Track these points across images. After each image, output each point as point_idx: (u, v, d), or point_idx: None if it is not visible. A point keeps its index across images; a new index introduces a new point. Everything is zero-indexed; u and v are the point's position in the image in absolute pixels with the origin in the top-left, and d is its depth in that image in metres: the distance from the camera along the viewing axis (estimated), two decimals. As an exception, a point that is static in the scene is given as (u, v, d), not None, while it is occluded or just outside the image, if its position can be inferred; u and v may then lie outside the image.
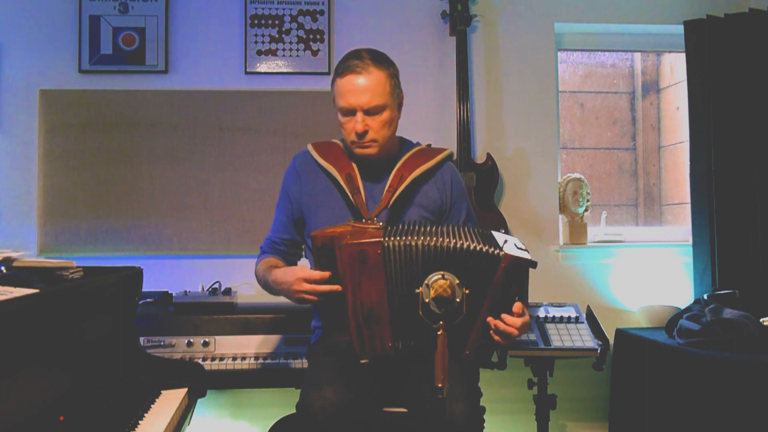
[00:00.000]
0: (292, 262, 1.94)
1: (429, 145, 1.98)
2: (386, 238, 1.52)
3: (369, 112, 1.75)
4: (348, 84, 1.74)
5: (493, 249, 1.50)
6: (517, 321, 1.52)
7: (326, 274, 1.56)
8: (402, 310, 1.54)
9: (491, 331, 1.53)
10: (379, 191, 1.81)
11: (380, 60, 1.78)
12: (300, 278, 1.59)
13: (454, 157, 1.96)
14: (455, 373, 1.56)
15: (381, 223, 1.63)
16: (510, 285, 1.51)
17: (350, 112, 1.75)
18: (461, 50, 2.89)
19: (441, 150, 1.91)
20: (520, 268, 1.51)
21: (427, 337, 1.50)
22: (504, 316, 1.52)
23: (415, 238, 1.52)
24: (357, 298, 1.54)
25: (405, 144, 1.94)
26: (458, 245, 1.50)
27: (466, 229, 1.61)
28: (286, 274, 1.67)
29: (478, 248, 1.50)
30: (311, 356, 1.88)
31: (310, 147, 1.91)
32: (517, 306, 1.52)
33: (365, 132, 1.75)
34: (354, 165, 1.83)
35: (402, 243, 1.52)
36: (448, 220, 1.88)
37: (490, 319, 1.52)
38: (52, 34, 2.91)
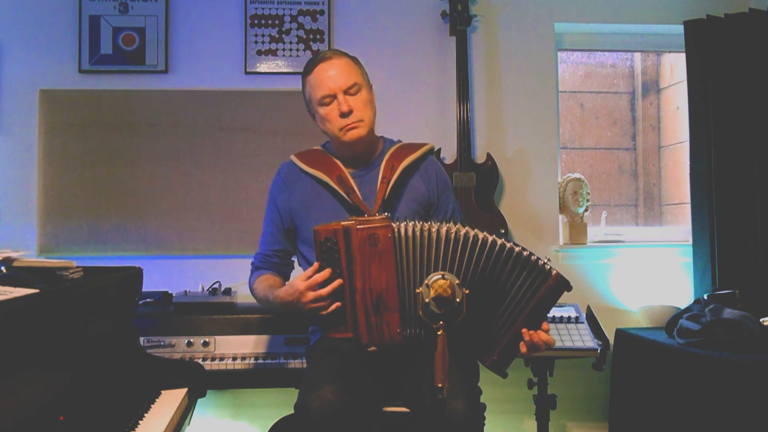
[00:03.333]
0: (286, 274, 1.95)
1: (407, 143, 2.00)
2: (396, 223, 1.56)
3: (348, 92, 1.78)
4: (322, 72, 1.79)
5: (543, 263, 1.54)
6: (549, 338, 1.55)
7: (326, 274, 1.56)
8: (412, 297, 1.55)
9: (522, 342, 1.54)
10: (370, 188, 1.82)
11: (344, 52, 1.86)
12: (303, 290, 1.59)
13: (437, 152, 1.98)
14: (455, 371, 1.56)
15: (386, 214, 1.64)
16: (548, 303, 1.54)
17: (331, 97, 1.78)
18: (461, 50, 2.89)
19: (423, 144, 1.93)
20: (561, 290, 1.54)
21: (428, 336, 1.50)
22: (539, 332, 1.54)
23: (434, 225, 1.55)
24: (366, 284, 1.55)
25: (386, 141, 1.97)
26: (501, 243, 1.53)
27: (486, 231, 1.61)
28: (288, 291, 1.66)
29: (527, 255, 1.53)
30: (310, 357, 1.88)
31: (293, 157, 1.92)
32: (545, 326, 1.56)
33: (351, 111, 1.77)
34: (342, 166, 1.85)
35: (415, 228, 1.55)
36: (436, 213, 1.89)
37: (524, 330, 1.54)
38: (52, 34, 2.91)
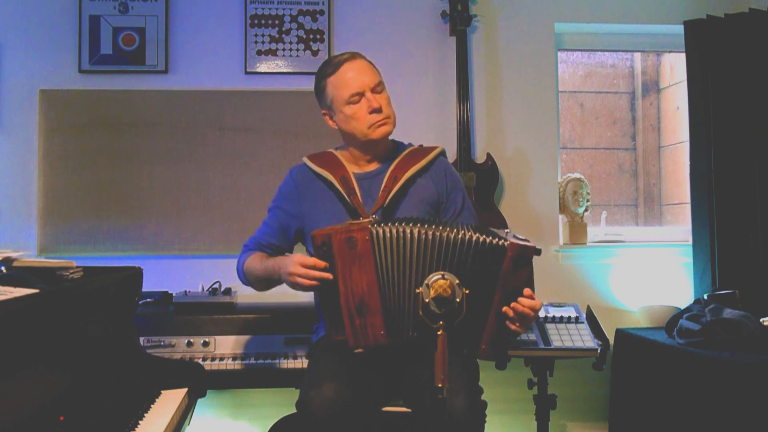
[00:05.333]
0: None
1: (421, 146, 2.00)
2: (374, 226, 1.55)
3: (375, 90, 1.81)
4: (348, 72, 1.80)
5: (498, 240, 1.52)
6: (534, 303, 1.53)
7: (324, 263, 1.57)
8: (395, 299, 1.55)
9: (507, 322, 1.53)
10: (376, 192, 1.83)
11: (361, 54, 1.87)
12: (297, 261, 1.60)
13: (446, 153, 1.98)
14: (455, 368, 1.56)
15: (374, 217, 1.66)
16: (518, 275, 1.52)
17: (359, 95, 1.79)
18: (461, 50, 2.89)
19: (433, 148, 1.94)
20: (527, 257, 1.52)
21: (427, 336, 1.50)
22: (519, 299, 1.52)
23: (409, 226, 1.54)
24: (348, 287, 1.56)
25: (399, 145, 1.97)
26: (461, 236, 1.52)
27: (462, 222, 1.63)
28: (285, 258, 1.70)
29: (482, 239, 1.52)
30: (312, 355, 1.89)
31: (305, 159, 1.94)
32: (527, 292, 1.53)
33: (380, 107, 1.80)
34: (348, 168, 1.86)
35: (392, 230, 1.54)
36: (445, 210, 1.90)
37: (505, 308, 1.52)
38: (52, 34, 2.91)
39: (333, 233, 1.56)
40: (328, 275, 1.56)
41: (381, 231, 1.54)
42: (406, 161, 1.88)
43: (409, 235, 1.53)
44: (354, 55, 1.84)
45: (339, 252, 1.55)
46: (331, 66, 1.83)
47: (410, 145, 1.98)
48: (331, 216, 1.82)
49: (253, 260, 1.88)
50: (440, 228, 1.54)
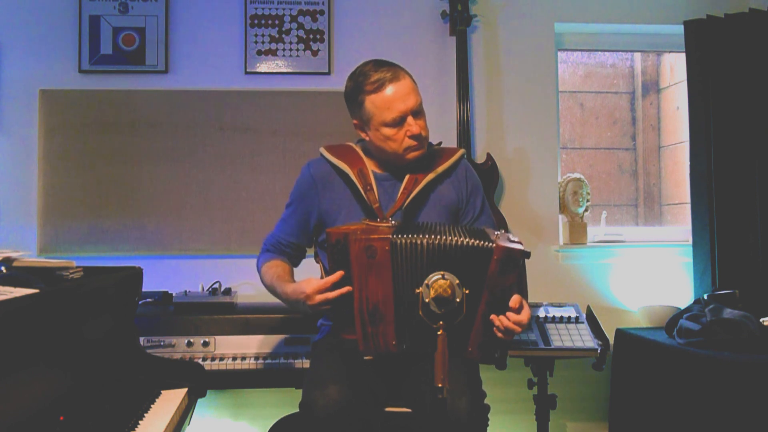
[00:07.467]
0: (296, 264, 1.95)
1: (440, 144, 1.97)
2: (395, 236, 1.52)
3: (416, 113, 1.76)
4: (392, 94, 1.73)
5: (484, 242, 1.50)
6: (520, 317, 1.51)
7: (337, 276, 1.56)
8: (407, 309, 1.53)
9: (494, 329, 1.52)
10: (396, 193, 1.81)
11: (401, 67, 1.80)
12: (310, 294, 1.58)
13: (466, 156, 1.96)
14: (457, 369, 1.56)
15: (393, 222, 1.64)
16: (505, 277, 1.50)
17: (401, 120, 1.74)
18: (461, 50, 2.89)
19: (454, 151, 1.92)
20: (514, 259, 1.50)
21: (429, 336, 1.50)
22: (507, 314, 1.51)
23: (421, 236, 1.52)
24: (363, 294, 1.54)
25: None
26: (453, 242, 1.51)
27: (465, 227, 1.62)
28: (296, 291, 1.66)
29: (469, 243, 1.50)
30: (315, 353, 1.88)
31: (323, 150, 1.90)
32: (514, 300, 1.51)
33: (419, 134, 1.75)
34: (366, 162, 1.84)
35: (409, 241, 1.51)
36: (464, 214, 1.89)
37: (493, 317, 1.51)
38: (52, 34, 2.91)
39: (349, 234, 1.53)
40: (347, 289, 1.55)
41: (401, 242, 1.51)
42: (428, 164, 1.86)
43: (419, 246, 1.51)
44: (396, 74, 1.74)
45: (357, 258, 1.52)
46: (371, 82, 1.74)
47: (430, 145, 1.95)
48: (347, 213, 1.81)
49: (268, 273, 1.84)
50: (444, 236, 1.52)
